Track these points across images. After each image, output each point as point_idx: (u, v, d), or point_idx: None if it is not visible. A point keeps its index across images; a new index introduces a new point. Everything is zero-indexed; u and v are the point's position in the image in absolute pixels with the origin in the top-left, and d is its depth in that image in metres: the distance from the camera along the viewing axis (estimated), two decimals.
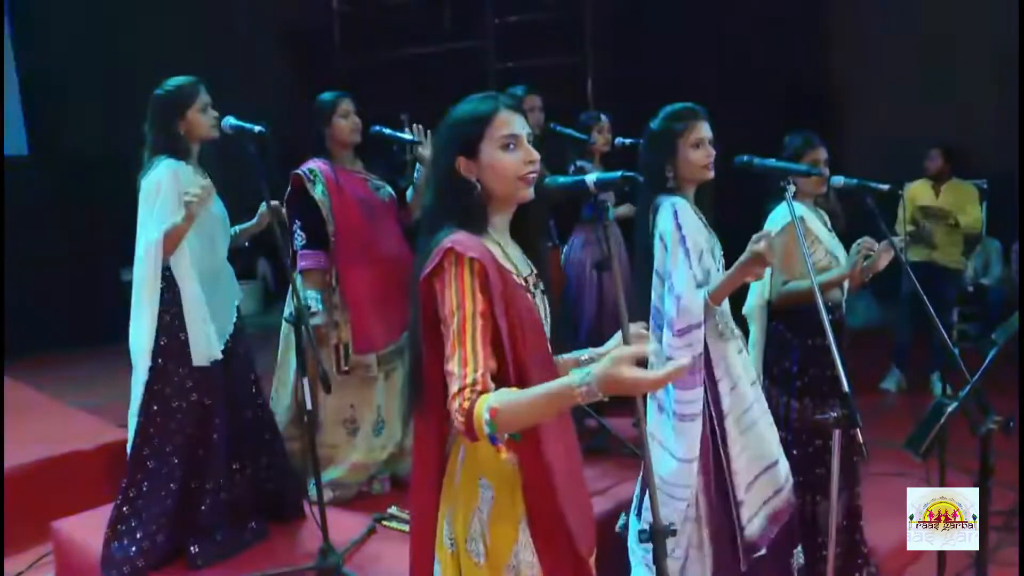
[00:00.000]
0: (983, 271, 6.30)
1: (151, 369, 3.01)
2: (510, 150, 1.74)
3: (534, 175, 1.76)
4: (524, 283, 1.77)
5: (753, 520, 2.67)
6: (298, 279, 3.36)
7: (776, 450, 2.73)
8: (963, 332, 6.04)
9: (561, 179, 1.82)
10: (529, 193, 1.77)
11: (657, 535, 1.67)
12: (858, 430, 2.31)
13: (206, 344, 3.05)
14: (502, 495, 1.75)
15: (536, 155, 1.77)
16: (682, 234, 2.59)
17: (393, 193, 3.67)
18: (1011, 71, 5.69)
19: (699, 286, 2.59)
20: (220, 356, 3.10)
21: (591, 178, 1.74)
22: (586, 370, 1.48)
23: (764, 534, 2.69)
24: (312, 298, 3.40)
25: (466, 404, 1.56)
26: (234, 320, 3.25)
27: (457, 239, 1.67)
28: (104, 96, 6.14)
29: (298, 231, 3.48)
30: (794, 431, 3.03)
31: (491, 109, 1.76)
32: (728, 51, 6.40)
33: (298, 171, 3.47)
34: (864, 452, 2.32)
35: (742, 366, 2.70)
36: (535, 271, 1.85)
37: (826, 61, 7.04)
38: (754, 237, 2.46)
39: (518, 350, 1.68)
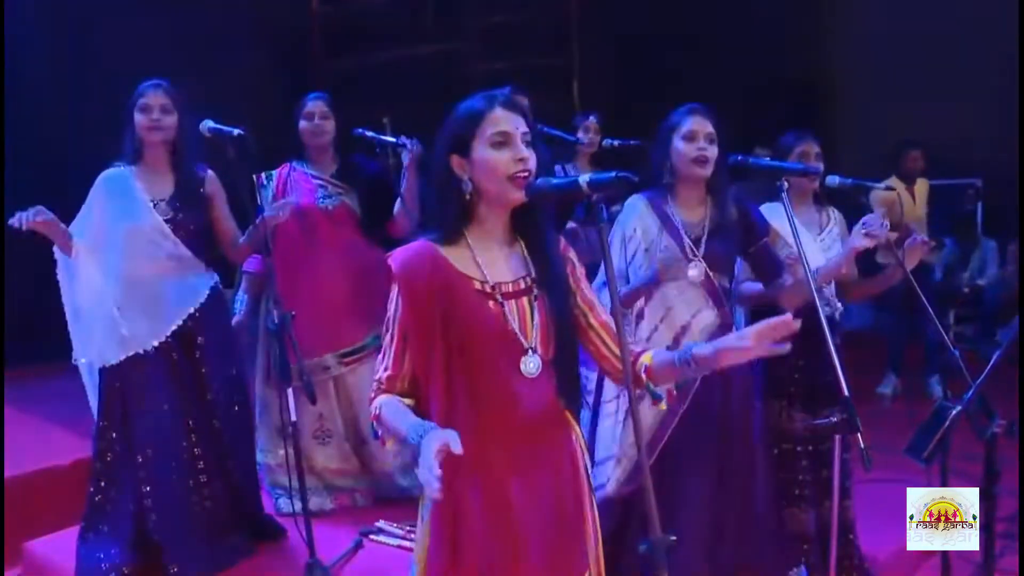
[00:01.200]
0: (979, 272, 6.23)
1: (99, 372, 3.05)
2: (500, 148, 1.71)
3: (524, 175, 1.71)
4: (489, 291, 1.73)
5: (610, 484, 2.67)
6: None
7: (607, 452, 2.71)
8: (960, 334, 5.99)
9: (554, 180, 1.76)
10: (520, 195, 1.72)
11: (656, 546, 1.59)
12: (859, 435, 2.25)
13: (90, 346, 3.05)
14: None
15: (525, 154, 1.72)
16: (616, 223, 2.69)
17: (350, 203, 3.54)
18: (1006, 70, 5.67)
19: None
20: (102, 362, 3.04)
21: (584, 179, 1.68)
22: (423, 429, 1.57)
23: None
24: (238, 299, 3.50)
25: (372, 396, 1.75)
26: (168, 329, 3.07)
27: (400, 249, 1.76)
28: (85, 101, 6.01)
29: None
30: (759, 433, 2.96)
31: (485, 107, 1.74)
32: (719, 50, 6.35)
33: (256, 174, 3.40)
34: (867, 459, 2.24)
35: None
36: (532, 276, 1.78)
37: (820, 60, 7.00)
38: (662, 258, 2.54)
39: (455, 354, 1.70)
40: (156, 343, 3.04)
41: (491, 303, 1.73)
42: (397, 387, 1.73)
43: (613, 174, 1.66)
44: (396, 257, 1.75)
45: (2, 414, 3.92)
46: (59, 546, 3.28)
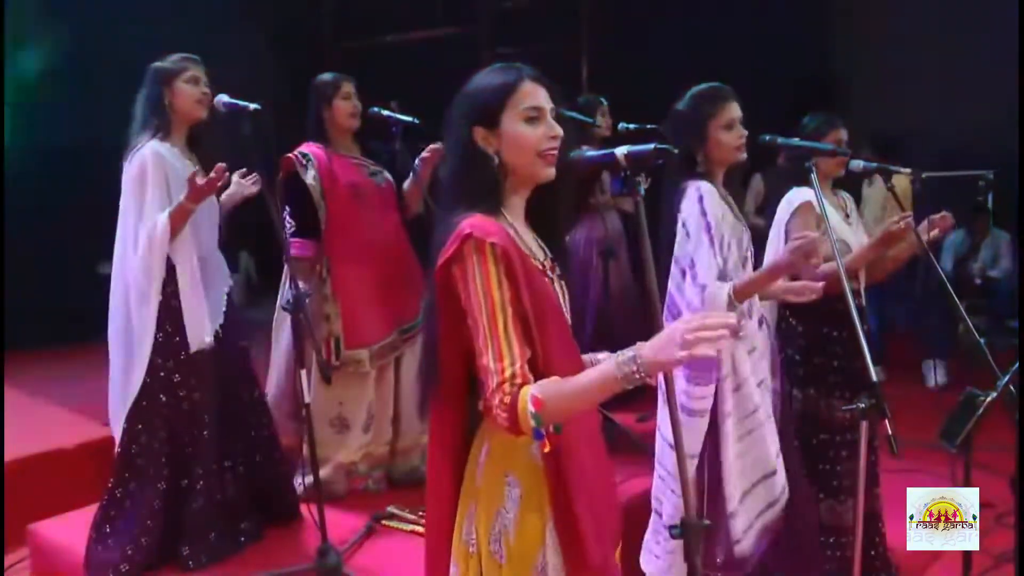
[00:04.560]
0: (992, 264, 6.15)
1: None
2: (532, 123, 1.63)
3: (555, 152, 1.64)
4: (542, 267, 1.66)
5: (748, 533, 2.57)
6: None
7: (775, 460, 2.62)
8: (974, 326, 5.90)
9: (589, 152, 1.71)
10: (550, 172, 1.65)
11: (689, 530, 1.56)
12: (887, 421, 2.21)
13: (200, 329, 2.93)
14: (530, 493, 1.63)
15: (559, 130, 1.65)
16: (707, 220, 2.48)
17: (391, 179, 3.51)
18: (1016, 62, 5.61)
19: (720, 277, 2.49)
20: (210, 342, 2.96)
21: (622, 151, 1.63)
22: (629, 352, 1.40)
23: (755, 549, 2.59)
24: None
25: (507, 399, 1.47)
26: (224, 309, 3.08)
27: (475, 223, 1.55)
28: (81, 84, 5.94)
29: (287, 218, 3.33)
30: (797, 423, 2.92)
31: (515, 78, 1.65)
32: (727, 37, 6.27)
33: (290, 154, 3.33)
34: (893, 445, 2.20)
35: (750, 367, 2.59)
36: (551, 256, 1.72)
37: (828, 49, 6.93)
38: (794, 238, 2.39)
39: (542, 337, 1.57)
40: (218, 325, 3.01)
41: (547, 280, 1.66)
42: (530, 376, 1.50)
43: (652, 145, 1.62)
44: (484, 229, 1.53)
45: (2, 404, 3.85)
46: (65, 528, 3.24)
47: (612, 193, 4.06)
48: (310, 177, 3.31)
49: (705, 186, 2.53)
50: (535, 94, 1.64)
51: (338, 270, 3.36)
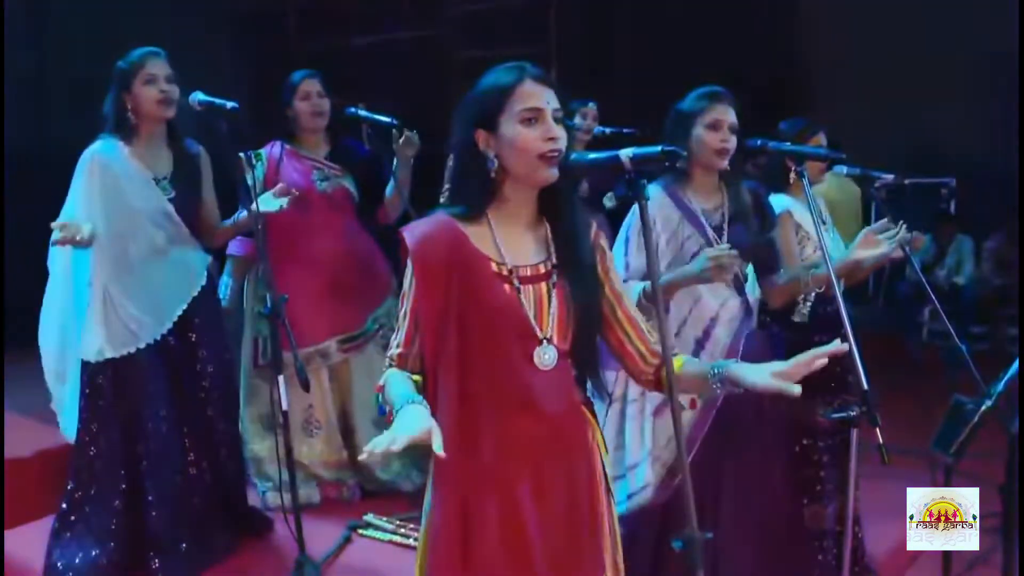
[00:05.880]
0: (956, 270, 6.28)
1: (82, 365, 2.84)
2: (530, 125, 1.60)
3: (555, 154, 1.61)
4: (506, 274, 1.63)
5: None
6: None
7: (640, 455, 2.58)
8: (935, 331, 6.00)
9: (591, 155, 1.67)
10: (551, 174, 1.61)
11: (692, 543, 1.53)
12: (878, 430, 2.21)
13: (92, 341, 2.83)
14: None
15: (557, 132, 1.62)
16: (628, 222, 2.54)
17: (348, 186, 3.44)
18: (977, 71, 5.74)
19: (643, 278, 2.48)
20: (110, 355, 2.84)
21: (627, 153, 1.59)
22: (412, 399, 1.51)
23: None
24: (223, 284, 3.36)
25: (384, 372, 1.65)
26: (174, 317, 2.93)
27: (415, 224, 1.67)
28: (37, 85, 5.75)
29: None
30: (780, 429, 2.91)
31: (514, 80, 1.62)
32: (696, 41, 6.30)
33: (243, 153, 3.27)
34: (885, 455, 2.20)
35: None
36: (553, 259, 1.67)
37: (793, 58, 7.02)
38: (709, 251, 2.35)
39: (469, 338, 1.61)
40: (162, 333, 2.89)
41: (507, 287, 1.62)
42: (408, 365, 1.64)
43: (659, 148, 1.58)
44: (412, 230, 1.65)
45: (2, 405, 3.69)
46: (27, 539, 3.11)
47: (617, 196, 4.03)
48: (250, 178, 3.26)
49: (651, 187, 2.53)
50: (534, 95, 1.61)
51: (273, 272, 3.30)
